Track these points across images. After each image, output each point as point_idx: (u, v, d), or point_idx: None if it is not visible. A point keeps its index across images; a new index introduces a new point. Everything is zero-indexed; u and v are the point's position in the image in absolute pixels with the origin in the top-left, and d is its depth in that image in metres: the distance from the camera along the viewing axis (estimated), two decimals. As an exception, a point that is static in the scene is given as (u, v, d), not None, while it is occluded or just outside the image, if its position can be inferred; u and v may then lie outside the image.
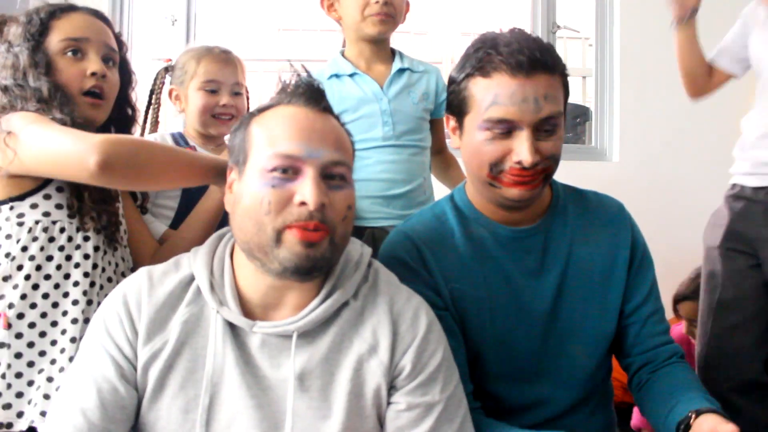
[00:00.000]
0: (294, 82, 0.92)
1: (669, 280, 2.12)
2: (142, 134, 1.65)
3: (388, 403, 0.91)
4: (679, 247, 2.14)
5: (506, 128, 0.99)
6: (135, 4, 2.50)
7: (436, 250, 1.08)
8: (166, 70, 1.59)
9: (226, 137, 1.51)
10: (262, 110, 0.92)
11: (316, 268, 0.87)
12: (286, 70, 0.94)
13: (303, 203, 0.84)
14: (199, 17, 2.57)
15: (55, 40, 1.08)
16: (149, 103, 1.63)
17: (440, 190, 1.69)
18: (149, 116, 1.62)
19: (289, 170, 0.86)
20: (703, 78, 1.79)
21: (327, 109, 0.93)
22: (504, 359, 1.09)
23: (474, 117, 1.02)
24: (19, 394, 0.98)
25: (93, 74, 1.10)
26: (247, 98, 1.56)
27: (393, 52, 1.57)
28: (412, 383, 0.90)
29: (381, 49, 1.53)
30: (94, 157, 0.91)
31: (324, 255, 0.87)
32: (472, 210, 1.12)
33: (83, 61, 1.10)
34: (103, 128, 1.16)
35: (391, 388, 0.91)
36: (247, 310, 0.91)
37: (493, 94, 0.98)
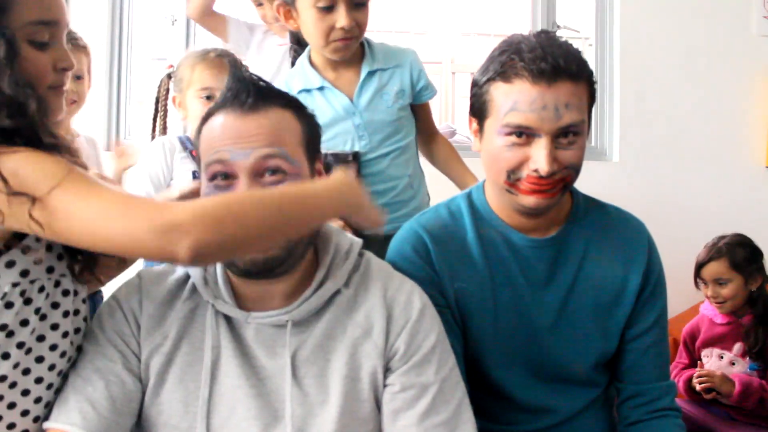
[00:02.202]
0: (225, 87, 0.92)
1: (669, 281, 2.11)
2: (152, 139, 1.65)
3: (384, 386, 0.92)
4: (680, 248, 2.14)
5: (525, 135, 0.97)
6: (135, 4, 2.50)
7: (445, 247, 1.07)
8: (169, 77, 1.60)
9: None
10: (205, 119, 0.93)
11: (272, 267, 0.87)
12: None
13: None
14: (199, 17, 2.56)
15: (18, 21, 0.79)
16: (156, 111, 1.63)
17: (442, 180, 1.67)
18: (157, 124, 1.63)
19: (224, 176, 0.87)
20: None
21: (255, 104, 0.89)
22: (505, 363, 1.09)
23: (493, 122, 1.00)
24: None
25: (62, 69, 0.87)
26: None
27: (362, 45, 1.46)
28: (407, 364, 0.91)
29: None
30: (183, 248, 0.70)
31: (276, 254, 0.87)
32: (488, 211, 1.10)
33: (51, 51, 0.85)
34: None
35: (387, 371, 0.92)
36: (240, 302, 0.93)
37: (513, 101, 0.97)
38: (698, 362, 2.04)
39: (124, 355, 0.90)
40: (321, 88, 1.43)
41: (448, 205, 1.14)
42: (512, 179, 1.00)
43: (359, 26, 1.37)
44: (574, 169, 1.01)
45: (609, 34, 2.66)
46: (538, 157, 0.96)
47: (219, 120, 0.90)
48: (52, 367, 0.87)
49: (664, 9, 2.60)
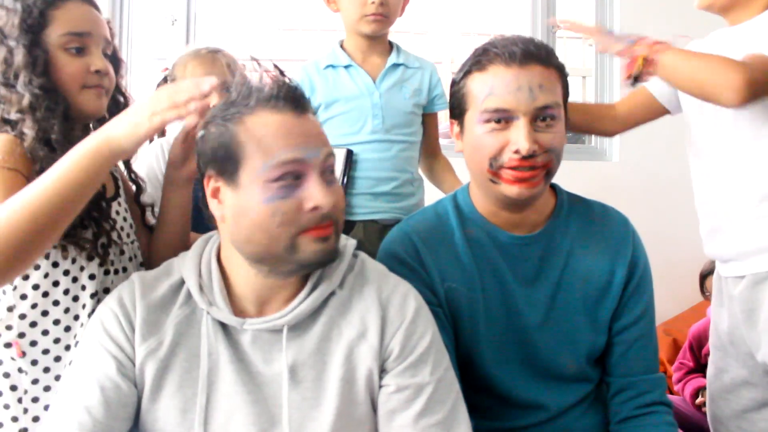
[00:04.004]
0: (274, 86, 0.88)
1: (669, 281, 2.12)
2: (150, 142, 1.65)
3: (380, 387, 0.92)
4: (679, 247, 2.14)
5: (503, 119, 1.01)
6: (135, 4, 2.50)
7: (434, 247, 1.09)
8: (165, 80, 1.59)
9: None
10: (236, 112, 0.87)
11: (332, 258, 0.91)
12: (253, 69, 0.92)
13: (315, 208, 0.85)
14: (199, 17, 2.57)
15: (55, 34, 0.98)
16: None
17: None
18: None
19: (293, 177, 0.86)
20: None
21: (306, 105, 0.91)
22: (497, 360, 1.10)
23: (473, 112, 1.04)
24: (36, 419, 0.97)
25: (96, 72, 1.02)
26: None
27: (391, 45, 1.60)
28: (402, 365, 0.91)
29: (378, 43, 1.57)
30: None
31: (335, 245, 0.91)
32: (473, 211, 1.12)
33: (85, 57, 1.01)
34: (98, 120, 1.08)
35: (382, 372, 0.92)
36: (237, 308, 0.93)
37: (489, 86, 1.01)
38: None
39: (118, 360, 0.89)
40: (347, 66, 1.54)
41: (434, 208, 1.16)
42: (495, 166, 1.02)
43: (389, 5, 1.50)
44: (555, 155, 1.03)
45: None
46: (518, 137, 0.99)
47: (274, 119, 0.86)
48: (57, 321, 0.98)
49: (664, 9, 2.60)
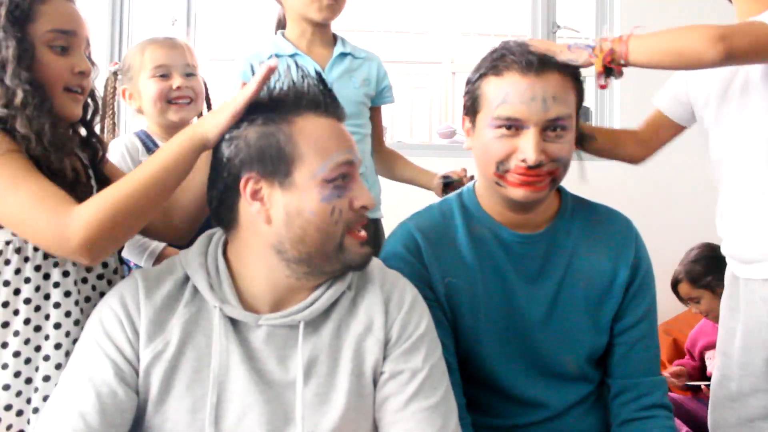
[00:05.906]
0: (319, 91, 0.92)
1: (668, 281, 2.12)
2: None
3: (381, 373, 0.94)
4: (680, 248, 2.14)
5: (513, 127, 1.01)
6: (135, 4, 2.50)
7: (436, 243, 1.10)
8: (115, 74, 1.55)
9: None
10: (286, 113, 0.89)
11: (369, 262, 0.95)
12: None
13: (364, 207, 0.91)
14: (199, 17, 2.57)
15: (41, 30, 0.95)
16: (103, 112, 1.57)
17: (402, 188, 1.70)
18: (105, 124, 1.57)
19: (343, 177, 0.90)
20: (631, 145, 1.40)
21: (345, 116, 0.97)
22: (498, 357, 1.10)
23: (485, 115, 1.04)
24: (9, 427, 0.93)
25: (80, 73, 0.99)
26: (205, 85, 1.52)
27: (335, 37, 1.56)
28: (397, 351, 0.93)
29: (323, 32, 1.52)
30: (74, 243, 0.85)
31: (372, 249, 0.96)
32: (479, 210, 1.13)
33: (69, 57, 0.98)
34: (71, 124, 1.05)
35: (383, 360, 0.94)
36: (247, 306, 0.92)
37: (504, 93, 1.01)
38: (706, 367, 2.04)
39: (116, 364, 0.87)
40: (293, 55, 1.47)
41: (440, 206, 1.17)
42: (501, 170, 1.03)
43: None
44: (562, 164, 1.04)
45: (609, 34, 2.66)
46: (526, 147, 1.00)
47: (323, 122, 0.91)
48: (57, 326, 0.95)
49: (664, 9, 2.60)
